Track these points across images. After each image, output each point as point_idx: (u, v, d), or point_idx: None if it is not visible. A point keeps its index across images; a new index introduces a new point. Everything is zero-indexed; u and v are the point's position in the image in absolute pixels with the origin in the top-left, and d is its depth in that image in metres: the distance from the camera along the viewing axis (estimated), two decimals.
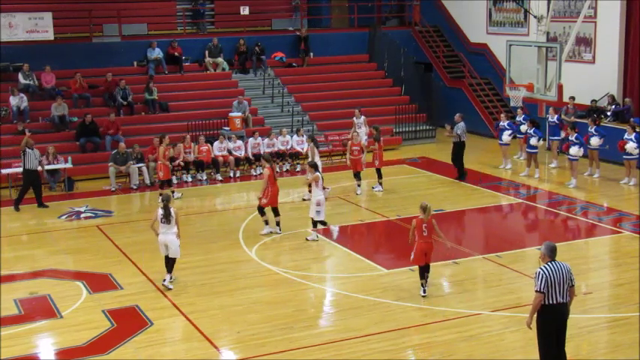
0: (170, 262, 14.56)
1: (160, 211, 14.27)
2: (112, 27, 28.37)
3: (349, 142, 21.35)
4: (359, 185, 20.98)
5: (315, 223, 17.27)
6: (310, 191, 17.87)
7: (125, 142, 23.17)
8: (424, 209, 13.62)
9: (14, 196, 21.41)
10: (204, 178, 23.31)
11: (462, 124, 22.36)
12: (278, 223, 17.69)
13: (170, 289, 14.41)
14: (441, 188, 21.77)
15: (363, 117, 24.92)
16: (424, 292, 13.84)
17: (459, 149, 22.55)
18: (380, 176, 21.68)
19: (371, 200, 20.81)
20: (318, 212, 17.05)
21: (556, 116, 23.86)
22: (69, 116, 24.71)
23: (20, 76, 25.32)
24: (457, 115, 22.62)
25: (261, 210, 17.57)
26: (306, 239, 17.26)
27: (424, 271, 13.83)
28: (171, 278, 14.57)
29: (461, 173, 22.62)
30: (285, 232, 17.75)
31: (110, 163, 22.25)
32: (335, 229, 17.82)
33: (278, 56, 30.09)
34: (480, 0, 30.35)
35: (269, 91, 28.54)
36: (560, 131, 23.75)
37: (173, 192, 20.89)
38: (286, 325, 12.74)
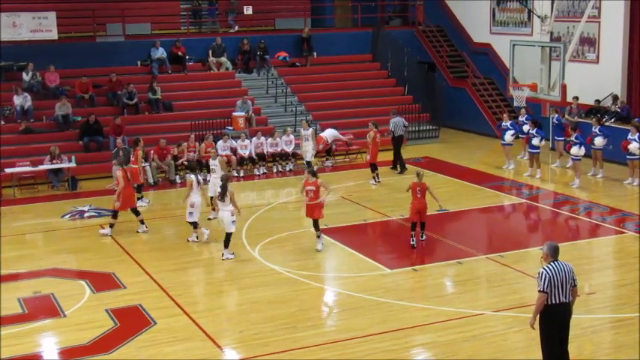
0: (225, 237, 15.86)
1: (217, 190, 15.89)
2: (116, 26, 28.42)
3: (303, 180, 16.88)
4: (319, 237, 16.58)
5: (194, 225, 17.22)
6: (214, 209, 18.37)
7: (128, 141, 23.18)
8: (417, 175, 16.59)
9: (18, 196, 21.52)
10: (208, 178, 23.25)
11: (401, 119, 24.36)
12: (142, 222, 18.00)
13: (231, 257, 15.87)
14: (444, 188, 21.73)
15: (310, 129, 23.80)
16: (413, 241, 16.53)
17: (400, 143, 24.07)
18: (372, 170, 22.31)
19: (374, 200, 20.80)
20: (190, 214, 17.04)
21: (556, 116, 23.83)
22: (73, 116, 24.76)
23: (24, 76, 25.35)
24: (393, 112, 24.68)
25: (115, 213, 17.88)
26: (192, 241, 17.28)
27: (416, 226, 16.55)
28: (225, 254, 15.92)
29: (402, 166, 23.84)
30: (288, 232, 17.78)
31: (113, 162, 22.21)
32: (205, 232, 17.34)
33: (281, 56, 30.09)
34: (483, 0, 30.34)
35: (272, 91, 28.55)
36: (561, 131, 23.71)
37: (142, 197, 20.59)
38: (289, 325, 12.74)
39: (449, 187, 22.01)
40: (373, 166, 22.45)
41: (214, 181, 18.55)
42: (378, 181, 22.40)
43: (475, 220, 19.51)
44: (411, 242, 16.55)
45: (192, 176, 17.14)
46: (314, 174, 16.33)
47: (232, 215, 15.85)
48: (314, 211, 16.37)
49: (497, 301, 13.58)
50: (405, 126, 24.41)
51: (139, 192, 20.59)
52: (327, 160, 25.02)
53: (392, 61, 31.15)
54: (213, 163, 19.03)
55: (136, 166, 20.42)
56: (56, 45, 26.75)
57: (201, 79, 28.57)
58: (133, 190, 18.12)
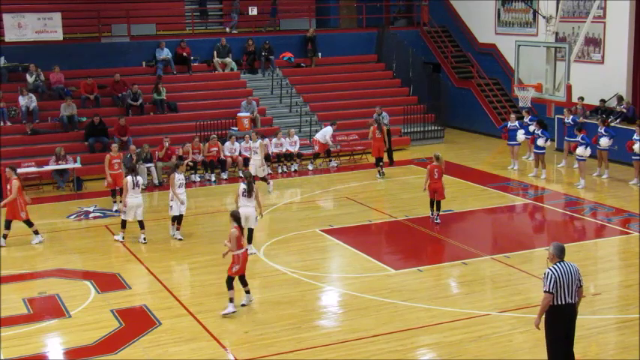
0: (249, 232, 15.95)
1: (243, 186, 15.83)
2: (121, 27, 28.43)
3: (228, 240, 13.31)
4: (247, 292, 13.60)
5: (123, 223, 17.44)
6: None
7: (133, 142, 23.21)
8: (437, 158, 18.06)
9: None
10: (213, 179, 23.30)
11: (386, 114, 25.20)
12: (36, 232, 17.66)
13: (254, 252, 15.96)
14: (449, 189, 21.56)
15: (259, 140, 21.68)
16: (435, 218, 18.18)
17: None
18: (376, 164, 23.26)
19: (379, 200, 20.79)
20: (124, 212, 17.33)
21: (572, 117, 23.78)
22: (77, 116, 24.76)
23: (28, 77, 25.36)
24: (379, 107, 25.29)
25: (8, 223, 17.36)
26: (115, 239, 17.53)
27: (434, 205, 18.20)
28: (249, 249, 15.57)
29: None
30: (293, 233, 17.78)
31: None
32: (141, 239, 17.36)
33: (286, 56, 30.10)
34: (488, 0, 30.31)
35: (277, 92, 28.55)
36: (575, 132, 23.63)
37: (115, 202, 19.98)
38: (294, 326, 12.74)
39: (454, 187, 21.94)
40: (377, 160, 23.17)
41: (182, 196, 17.35)
42: (383, 173, 23.02)
43: (480, 221, 19.49)
44: (431, 218, 18.40)
45: (129, 177, 17.25)
46: (237, 219, 13.40)
47: (256, 211, 16.03)
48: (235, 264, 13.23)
49: (502, 302, 13.56)
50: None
51: (113, 197, 20.20)
52: (330, 160, 24.98)
53: (397, 61, 31.13)
54: (180, 178, 17.51)
55: (114, 172, 19.87)
56: (61, 46, 26.78)
57: (206, 79, 28.57)
58: (24, 201, 17.38)
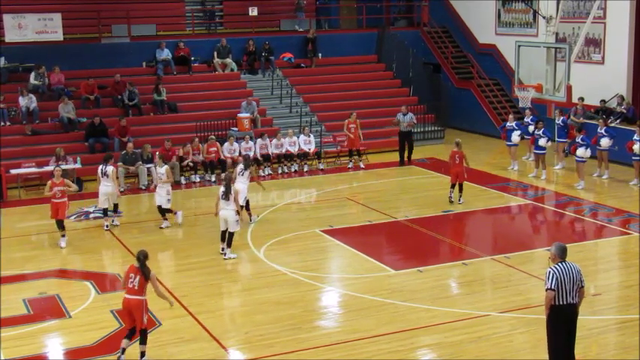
0: (228, 236, 16.09)
1: (222, 189, 15.92)
2: (121, 27, 28.43)
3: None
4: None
5: (114, 211, 18.76)
6: None
7: (134, 142, 23.20)
8: (457, 144, 19.79)
9: (23, 197, 21.53)
10: (213, 179, 23.30)
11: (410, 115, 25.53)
12: None
13: (233, 257, 16.05)
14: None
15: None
16: (452, 198, 19.88)
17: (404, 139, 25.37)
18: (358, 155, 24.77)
19: (379, 201, 20.78)
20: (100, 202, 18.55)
21: (562, 118, 23.77)
22: (77, 117, 24.74)
23: (32, 77, 25.35)
24: (405, 107, 25.69)
25: None
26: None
27: (454, 188, 19.89)
28: (223, 250, 16.21)
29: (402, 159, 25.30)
30: (293, 233, 17.78)
31: (119, 163, 22.25)
32: (115, 221, 18.68)
33: (286, 57, 30.09)
34: (488, 0, 30.32)
35: (277, 92, 28.55)
36: (565, 133, 23.66)
37: (63, 235, 17.37)
38: (294, 326, 12.74)
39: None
40: (351, 152, 24.85)
41: (159, 190, 18.30)
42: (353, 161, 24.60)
43: (480, 221, 19.49)
44: (450, 199, 19.97)
45: (100, 167, 18.29)
46: (143, 257, 11.47)
47: (236, 215, 15.94)
48: (136, 312, 11.53)
49: (502, 302, 13.56)
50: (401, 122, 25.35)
51: (61, 229, 17.47)
52: (320, 162, 24.95)
53: (397, 62, 31.14)
54: (160, 172, 18.24)
55: (57, 201, 17.30)
56: (61, 46, 26.77)
57: (206, 80, 28.56)
58: None
